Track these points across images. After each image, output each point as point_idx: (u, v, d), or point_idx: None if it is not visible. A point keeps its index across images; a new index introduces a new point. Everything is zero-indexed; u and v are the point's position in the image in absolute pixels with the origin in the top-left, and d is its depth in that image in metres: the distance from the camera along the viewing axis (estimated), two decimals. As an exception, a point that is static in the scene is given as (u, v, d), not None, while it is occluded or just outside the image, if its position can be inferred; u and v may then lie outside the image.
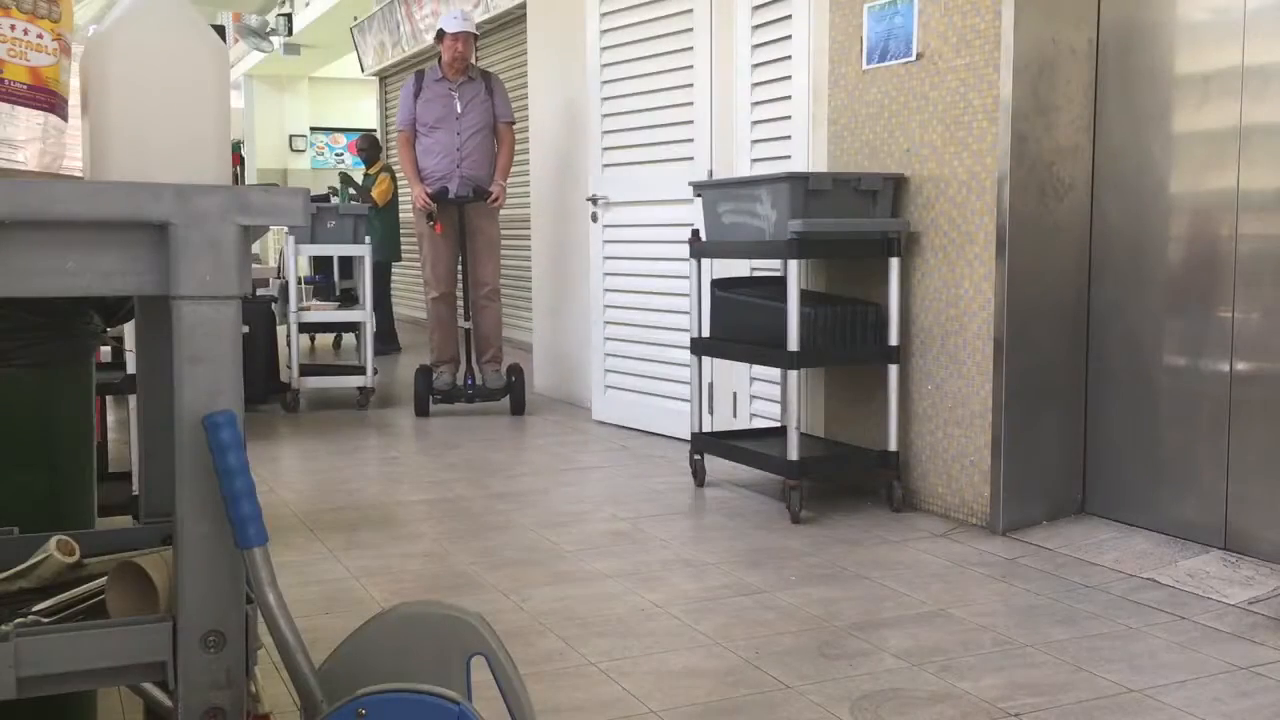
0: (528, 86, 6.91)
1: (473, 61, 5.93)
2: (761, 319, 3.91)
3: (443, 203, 5.74)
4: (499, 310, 5.94)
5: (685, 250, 4.44)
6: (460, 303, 5.96)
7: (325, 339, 10.08)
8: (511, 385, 5.86)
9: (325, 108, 16.59)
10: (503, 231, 9.85)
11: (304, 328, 7.25)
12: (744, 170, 4.65)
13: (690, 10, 4.96)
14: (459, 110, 5.77)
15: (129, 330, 3.18)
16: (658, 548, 3.47)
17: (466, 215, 5.77)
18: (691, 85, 4.98)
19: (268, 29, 13.55)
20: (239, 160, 16.04)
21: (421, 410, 5.87)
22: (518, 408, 5.91)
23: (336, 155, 16.57)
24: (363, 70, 12.66)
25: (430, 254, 5.86)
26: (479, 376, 5.90)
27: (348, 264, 8.92)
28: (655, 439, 5.19)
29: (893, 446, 3.85)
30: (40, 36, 1.29)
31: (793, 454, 3.74)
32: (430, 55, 10.80)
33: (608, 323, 5.54)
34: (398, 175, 10.03)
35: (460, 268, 5.90)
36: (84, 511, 1.75)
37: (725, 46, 4.80)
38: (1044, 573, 3.18)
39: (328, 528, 3.70)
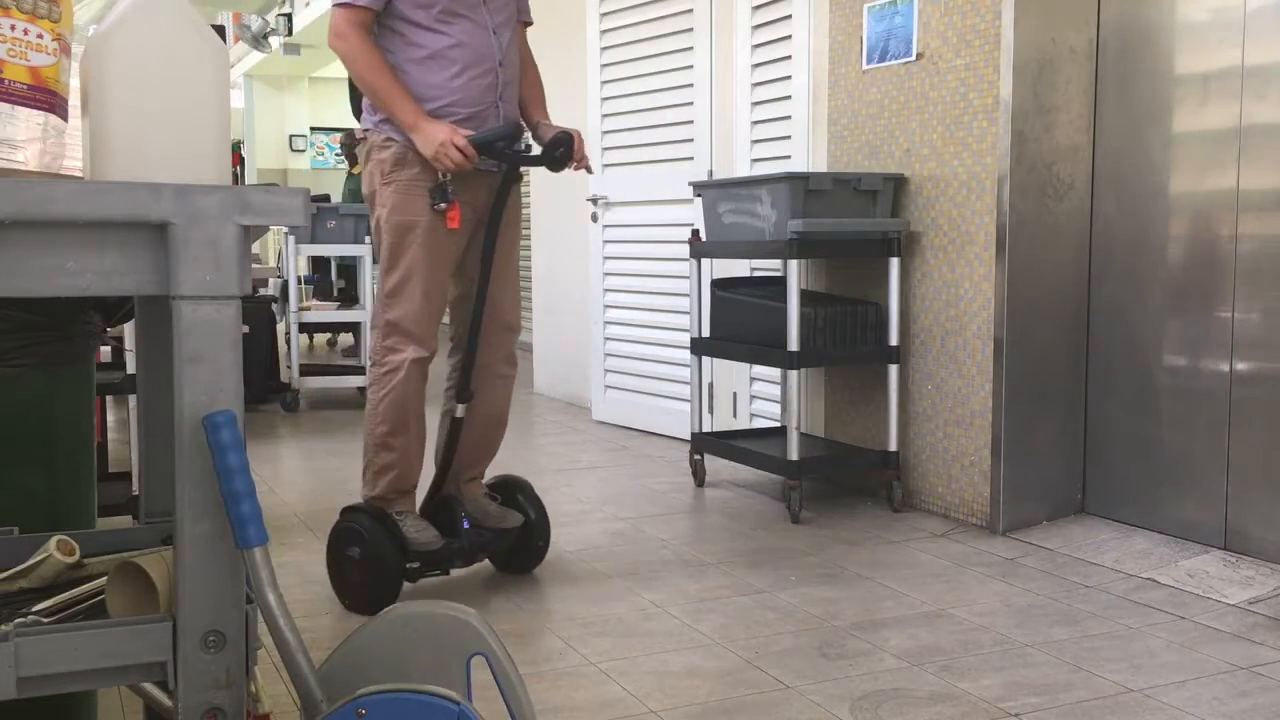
0: (528, 86, 6.90)
1: None
2: (761, 319, 3.91)
3: (481, 164, 2.91)
4: (513, 383, 3.22)
5: (685, 250, 4.44)
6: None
7: (315, 337, 10.05)
8: (533, 522, 3.23)
9: (325, 108, 16.57)
10: (503, 231, 9.94)
11: (304, 327, 7.25)
12: (744, 170, 4.65)
13: (690, 10, 4.96)
14: None
15: (129, 330, 3.18)
16: (658, 548, 3.47)
17: (510, 196, 3.03)
18: (691, 85, 4.98)
19: (267, 30, 13.55)
20: (239, 160, 16.04)
21: (378, 600, 2.68)
22: (535, 556, 3.26)
23: (336, 155, 16.56)
24: (363, 70, 12.63)
25: (422, 271, 2.92)
26: (471, 508, 3.13)
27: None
28: (655, 439, 5.19)
29: (893, 446, 3.85)
30: (40, 36, 1.29)
31: (793, 454, 3.74)
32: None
33: (608, 323, 5.54)
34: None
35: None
36: (84, 511, 1.75)
37: (725, 46, 4.80)
38: (1044, 573, 3.18)
39: (328, 528, 3.69)
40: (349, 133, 10.02)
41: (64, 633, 1.22)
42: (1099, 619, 2.81)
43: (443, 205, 2.90)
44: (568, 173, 2.92)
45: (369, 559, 2.86)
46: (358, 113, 3.23)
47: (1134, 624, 2.77)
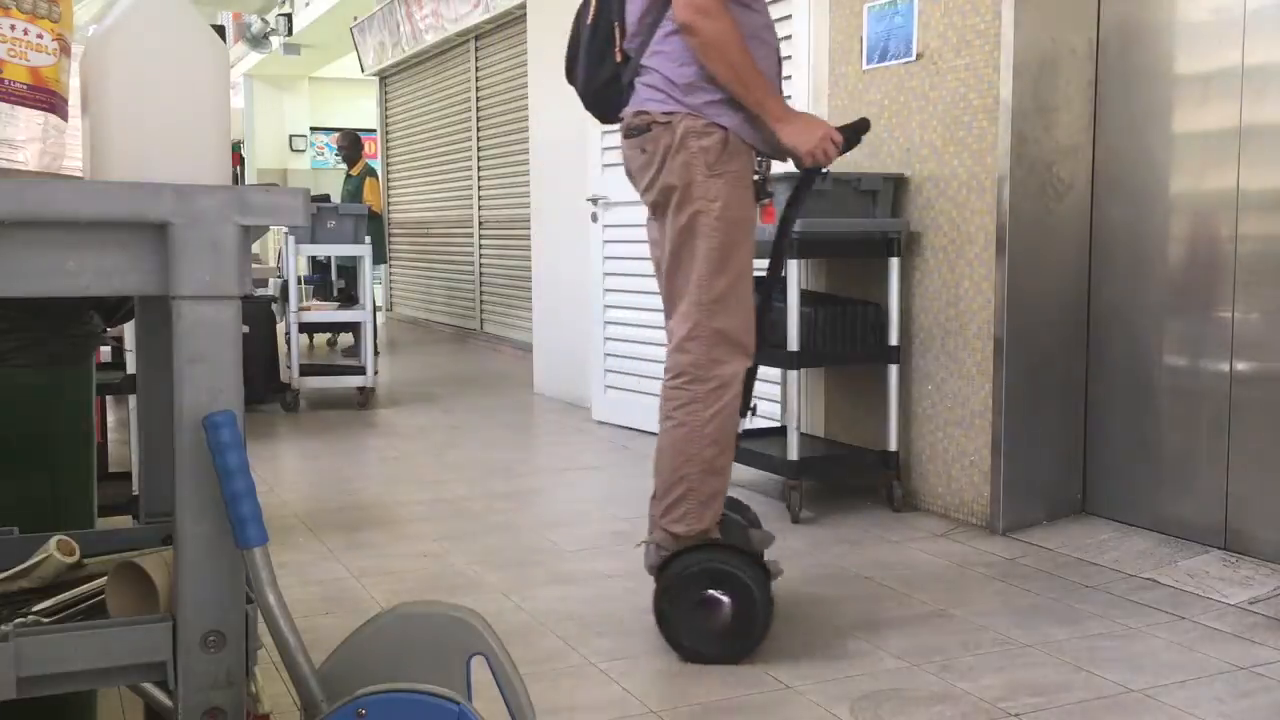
0: (528, 87, 6.91)
1: None
2: (761, 319, 3.90)
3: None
4: None
5: (685, 250, 4.44)
6: None
7: (315, 337, 10.04)
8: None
9: (325, 108, 16.59)
10: (502, 232, 9.97)
11: (304, 327, 7.25)
12: (744, 170, 4.64)
13: (690, 10, 4.96)
14: None
15: (129, 330, 3.18)
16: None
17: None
18: (691, 85, 4.98)
19: (267, 30, 13.55)
20: (239, 160, 16.04)
21: (750, 646, 2.56)
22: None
23: (336, 155, 16.58)
24: (363, 70, 12.67)
25: (749, 273, 2.69)
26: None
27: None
28: (655, 439, 5.17)
29: (893, 446, 3.85)
30: (40, 36, 1.29)
31: (793, 454, 3.74)
32: (431, 54, 10.83)
33: (608, 323, 5.54)
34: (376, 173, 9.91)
35: None
36: (84, 511, 1.75)
37: (725, 46, 4.79)
38: (1044, 573, 3.18)
39: (328, 528, 3.70)
40: (345, 133, 9.99)
41: (64, 633, 1.22)
42: (1099, 619, 2.80)
43: (766, 200, 2.72)
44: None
45: (750, 601, 2.52)
46: (596, 95, 2.75)
47: (1134, 624, 2.77)
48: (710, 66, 2.55)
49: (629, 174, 2.77)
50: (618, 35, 2.64)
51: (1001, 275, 3.51)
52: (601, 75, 2.68)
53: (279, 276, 6.90)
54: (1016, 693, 2.36)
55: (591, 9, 2.70)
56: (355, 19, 12.15)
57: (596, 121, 5.86)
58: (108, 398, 3.84)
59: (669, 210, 2.62)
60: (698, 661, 2.52)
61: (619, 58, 2.66)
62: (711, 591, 2.52)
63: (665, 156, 2.59)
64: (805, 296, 3.83)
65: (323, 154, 16.60)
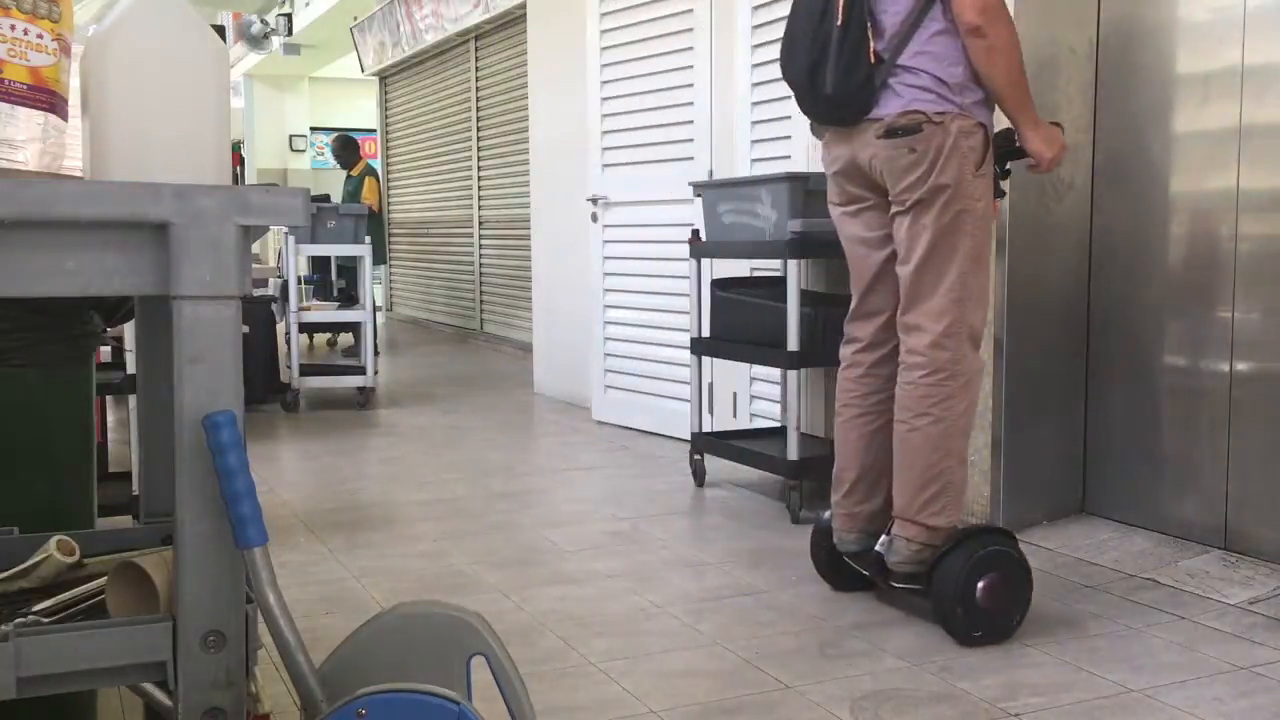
0: (528, 87, 6.91)
1: None
2: (761, 319, 3.91)
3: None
4: None
5: (685, 250, 4.45)
6: None
7: (315, 337, 10.03)
8: None
9: (325, 108, 16.59)
10: (502, 232, 9.98)
11: (304, 327, 7.25)
12: (744, 170, 4.65)
13: (690, 10, 4.96)
14: None
15: (129, 330, 3.18)
16: (658, 548, 3.47)
17: None
18: (691, 85, 4.98)
19: (267, 31, 13.56)
20: (239, 160, 16.04)
21: (1015, 624, 2.71)
22: None
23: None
24: (363, 70, 12.68)
25: (989, 269, 2.85)
26: None
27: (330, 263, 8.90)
28: (655, 439, 5.19)
29: (893, 446, 3.85)
30: (40, 36, 1.29)
31: (793, 454, 3.74)
32: (431, 54, 10.83)
33: (608, 323, 5.54)
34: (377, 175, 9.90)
35: None
36: (84, 511, 1.75)
37: (725, 46, 4.80)
38: (1044, 573, 3.18)
39: (328, 528, 3.70)
40: (337, 138, 9.96)
41: (64, 633, 1.23)
42: (1099, 619, 2.80)
43: (998, 199, 2.82)
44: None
45: (1021, 574, 2.72)
46: (850, 97, 2.68)
47: (1134, 624, 2.77)
48: (988, 69, 2.62)
49: (854, 172, 2.79)
50: (870, 36, 2.64)
51: (1001, 275, 3.51)
52: (857, 77, 2.66)
53: (279, 276, 6.90)
54: (1016, 693, 2.36)
55: (840, 11, 2.65)
56: (355, 19, 12.16)
57: (597, 121, 5.84)
58: (108, 398, 3.84)
59: (932, 208, 2.66)
60: (981, 645, 2.61)
61: (873, 59, 2.65)
62: (991, 574, 2.65)
63: (937, 156, 2.62)
64: (805, 296, 3.83)
65: (323, 154, 16.59)
